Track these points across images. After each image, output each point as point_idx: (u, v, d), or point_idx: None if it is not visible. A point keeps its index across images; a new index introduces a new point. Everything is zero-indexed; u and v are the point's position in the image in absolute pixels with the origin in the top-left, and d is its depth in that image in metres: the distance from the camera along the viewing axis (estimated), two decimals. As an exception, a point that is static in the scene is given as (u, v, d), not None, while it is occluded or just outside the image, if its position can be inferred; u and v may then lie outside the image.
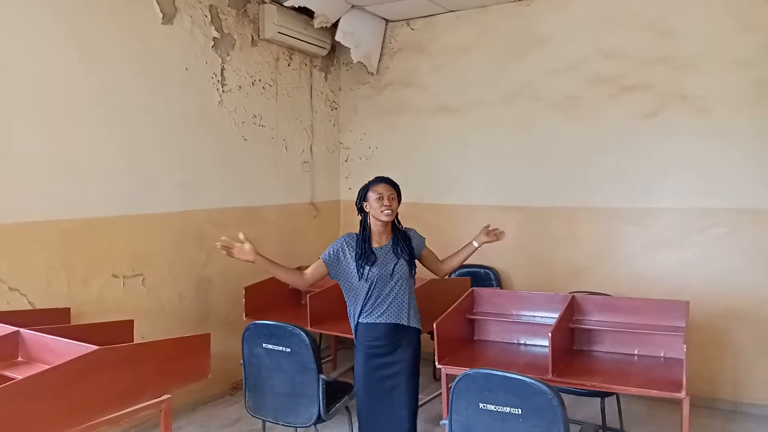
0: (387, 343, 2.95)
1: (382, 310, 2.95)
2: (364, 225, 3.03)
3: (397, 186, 3.06)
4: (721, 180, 4.23)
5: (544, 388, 2.22)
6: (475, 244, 3.18)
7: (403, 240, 3.03)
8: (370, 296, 2.95)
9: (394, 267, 2.95)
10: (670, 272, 4.37)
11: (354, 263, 2.96)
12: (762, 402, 4.10)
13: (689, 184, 4.33)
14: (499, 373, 2.32)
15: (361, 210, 3.05)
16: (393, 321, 2.95)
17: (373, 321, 2.95)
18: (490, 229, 3.24)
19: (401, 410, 2.95)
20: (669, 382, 2.68)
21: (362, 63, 5.37)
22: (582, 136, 4.69)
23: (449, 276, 3.56)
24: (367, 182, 3.08)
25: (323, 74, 5.57)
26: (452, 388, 2.38)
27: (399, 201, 3.05)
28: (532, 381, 2.24)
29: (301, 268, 3.24)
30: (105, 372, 2.45)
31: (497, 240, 3.20)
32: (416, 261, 3.11)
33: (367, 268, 2.93)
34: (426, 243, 3.19)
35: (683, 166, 4.34)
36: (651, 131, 4.44)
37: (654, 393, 2.59)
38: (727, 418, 4.04)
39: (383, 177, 3.06)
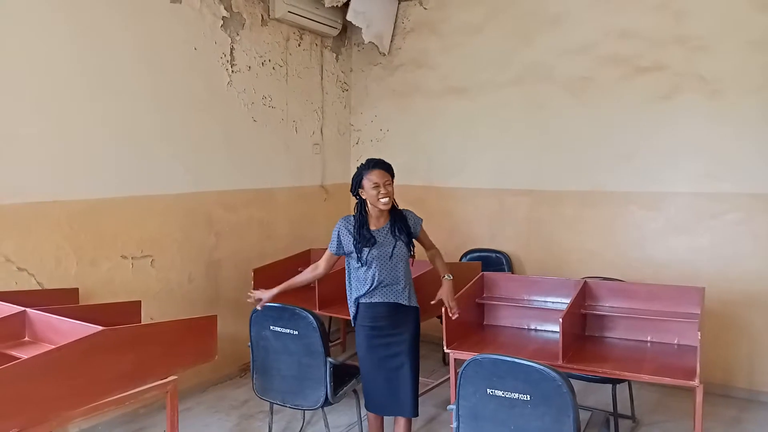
0: (388, 323, 2.95)
1: (382, 291, 2.95)
2: (361, 209, 3.00)
3: (391, 168, 3.00)
4: (735, 164, 4.13)
5: (554, 374, 2.17)
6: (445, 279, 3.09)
7: (400, 221, 3.00)
8: (370, 278, 2.93)
9: (393, 249, 2.94)
10: (683, 257, 4.29)
11: (353, 246, 2.95)
12: (777, 390, 4.03)
13: (703, 168, 4.23)
14: (508, 358, 2.27)
15: (357, 196, 3.02)
16: (393, 300, 2.95)
17: (373, 301, 2.96)
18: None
19: (405, 389, 2.95)
20: (682, 369, 2.62)
21: (374, 43, 5.29)
22: (594, 118, 4.59)
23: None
24: (359, 167, 3.01)
25: (334, 55, 5.49)
26: (460, 374, 2.35)
27: (393, 180, 3.01)
28: (542, 367, 2.19)
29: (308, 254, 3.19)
30: (110, 353, 2.44)
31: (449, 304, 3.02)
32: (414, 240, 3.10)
33: (366, 250, 2.93)
34: (423, 225, 3.14)
35: (696, 150, 4.24)
36: (664, 113, 4.33)
37: (667, 381, 2.53)
38: (741, 407, 3.97)
39: (376, 161, 2.99)
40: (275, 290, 3.10)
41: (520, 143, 4.91)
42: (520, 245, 4.96)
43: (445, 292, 3.00)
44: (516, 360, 2.26)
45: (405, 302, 2.96)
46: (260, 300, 3.13)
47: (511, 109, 4.92)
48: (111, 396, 2.48)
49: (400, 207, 3.08)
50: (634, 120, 4.45)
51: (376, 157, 3.08)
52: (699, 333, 2.51)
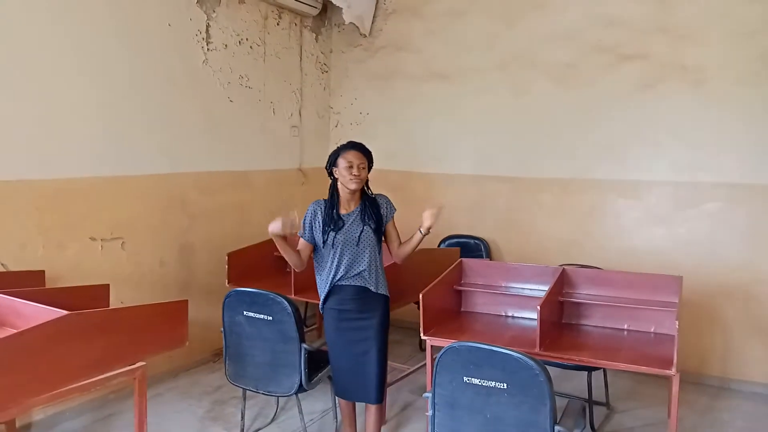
0: (355, 306, 2.91)
1: (350, 275, 2.90)
2: (333, 190, 2.96)
3: (369, 153, 2.96)
4: (715, 154, 4.14)
5: (531, 362, 2.14)
6: (421, 231, 2.92)
7: (371, 207, 2.95)
8: (336, 261, 2.88)
9: (360, 234, 2.88)
10: (662, 247, 4.30)
11: (320, 228, 2.91)
12: (750, 379, 4.07)
13: (683, 158, 4.23)
14: (485, 346, 2.23)
15: (330, 174, 2.97)
16: (361, 284, 2.90)
17: (340, 284, 2.91)
18: (429, 211, 2.90)
19: (370, 375, 2.93)
20: (659, 358, 2.61)
21: (354, 24, 5.19)
22: (577, 106, 4.56)
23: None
24: (338, 146, 2.97)
25: (314, 35, 5.38)
26: (436, 361, 2.31)
27: (370, 167, 2.97)
28: (519, 355, 2.16)
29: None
30: (76, 338, 2.36)
31: (437, 214, 2.88)
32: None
33: (333, 234, 2.88)
34: (395, 216, 3.04)
35: (678, 139, 4.24)
36: (647, 102, 4.32)
37: (643, 369, 2.52)
38: (714, 395, 4.01)
39: (355, 143, 2.96)
40: (281, 238, 2.85)
41: (502, 130, 4.87)
42: (499, 232, 4.93)
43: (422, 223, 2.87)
44: (493, 348, 2.22)
45: (372, 288, 2.91)
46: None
47: (494, 95, 4.87)
48: (76, 383, 2.39)
49: (379, 192, 3.03)
50: (616, 108, 4.43)
51: (356, 140, 3.02)
52: (677, 322, 2.50)
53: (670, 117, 4.26)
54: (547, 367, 2.19)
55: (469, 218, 5.03)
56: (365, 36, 5.36)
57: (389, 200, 3.04)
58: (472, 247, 4.88)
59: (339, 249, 2.88)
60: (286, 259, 2.98)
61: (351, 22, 5.14)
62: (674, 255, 4.24)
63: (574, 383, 3.85)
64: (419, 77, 5.19)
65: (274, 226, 2.76)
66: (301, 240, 3.00)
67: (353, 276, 2.90)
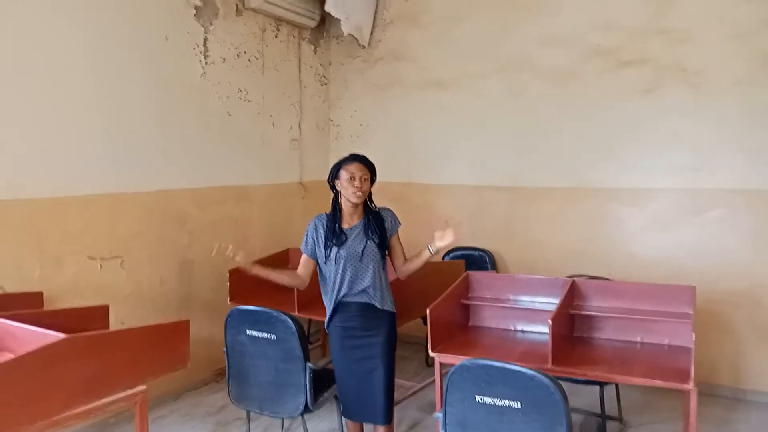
0: (360, 323, 2.83)
1: (353, 292, 2.82)
2: (335, 203, 2.89)
3: (372, 165, 2.89)
4: (718, 159, 4.08)
5: (546, 380, 2.06)
6: (430, 250, 2.86)
7: (374, 221, 2.87)
8: (340, 277, 2.81)
9: (363, 249, 2.81)
10: (667, 255, 4.23)
11: (323, 244, 2.85)
12: (764, 389, 3.98)
13: (686, 164, 4.18)
14: (497, 363, 2.16)
15: (332, 187, 2.90)
16: (366, 301, 2.83)
17: (345, 300, 2.84)
18: (443, 232, 2.83)
19: (377, 394, 2.84)
20: (675, 371, 2.54)
21: (353, 36, 5.15)
22: (576, 112, 4.52)
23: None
24: (341, 158, 2.91)
25: (312, 47, 5.34)
26: (447, 380, 2.23)
27: (374, 180, 2.90)
28: (533, 373, 2.08)
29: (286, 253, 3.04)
30: (73, 362, 2.28)
31: (451, 239, 2.81)
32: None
33: (335, 249, 2.81)
34: (399, 230, 2.96)
35: (681, 145, 4.19)
36: (646, 107, 4.27)
37: (660, 383, 2.44)
38: (728, 407, 3.92)
39: (358, 155, 2.89)
40: (260, 270, 2.92)
41: (501, 138, 4.82)
42: (502, 243, 4.86)
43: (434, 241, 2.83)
44: (506, 365, 2.14)
45: (377, 304, 2.83)
46: (236, 260, 2.89)
47: (493, 102, 4.83)
48: (74, 409, 2.31)
49: (382, 204, 2.96)
50: (616, 114, 4.39)
51: (357, 152, 2.95)
52: (693, 334, 2.42)
53: (671, 122, 4.21)
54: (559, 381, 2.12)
55: (471, 229, 4.96)
56: (364, 47, 5.32)
57: (394, 214, 2.97)
58: (477, 259, 4.80)
59: (342, 265, 2.80)
60: (283, 284, 2.96)
61: (350, 34, 5.10)
62: (680, 263, 4.18)
63: (585, 397, 3.75)
64: (418, 86, 5.14)
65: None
66: (303, 256, 2.93)
67: (357, 293, 2.82)
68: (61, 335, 2.25)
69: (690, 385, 2.36)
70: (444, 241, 2.80)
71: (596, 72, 4.42)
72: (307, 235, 2.91)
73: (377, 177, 2.93)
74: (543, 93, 4.62)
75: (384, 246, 2.88)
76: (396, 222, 2.95)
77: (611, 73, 4.37)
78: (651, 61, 4.24)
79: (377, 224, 2.86)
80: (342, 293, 2.82)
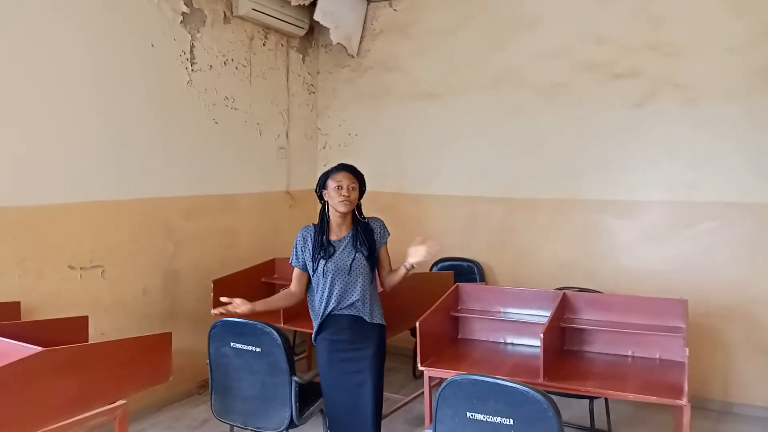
0: (348, 337, 2.77)
1: (342, 306, 2.75)
2: (323, 215, 2.82)
3: (361, 175, 2.83)
4: (710, 172, 4.08)
5: (539, 396, 2.01)
6: (406, 266, 2.78)
7: (363, 232, 2.80)
8: (327, 291, 2.74)
9: (352, 262, 2.73)
10: (659, 268, 4.22)
11: (311, 256, 2.78)
12: (753, 402, 3.97)
13: (679, 176, 4.17)
14: (489, 379, 2.11)
15: (320, 198, 2.84)
16: (355, 314, 2.76)
17: (333, 313, 2.76)
18: (415, 245, 2.76)
19: (365, 409, 2.77)
20: (668, 386, 2.51)
21: (342, 45, 5.11)
22: (568, 124, 4.50)
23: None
24: (329, 168, 2.84)
25: (301, 56, 5.29)
26: (437, 395, 2.17)
27: (363, 191, 2.84)
28: (526, 389, 2.03)
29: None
30: (50, 376, 2.20)
31: (424, 254, 2.71)
32: None
33: (323, 262, 2.74)
34: (388, 241, 2.90)
35: (673, 157, 4.18)
36: (639, 121, 4.27)
37: (653, 399, 2.40)
38: (717, 419, 3.90)
39: (345, 164, 2.83)
40: (261, 305, 2.79)
41: (493, 150, 4.79)
42: (492, 254, 4.83)
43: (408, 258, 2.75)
44: (498, 381, 2.09)
45: (367, 318, 2.77)
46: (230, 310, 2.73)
47: (485, 115, 4.80)
48: (51, 425, 2.24)
49: (372, 215, 2.91)
50: (608, 127, 4.38)
51: (345, 162, 2.90)
52: (687, 349, 2.39)
53: (663, 135, 4.20)
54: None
55: (461, 240, 4.92)
56: (353, 56, 5.29)
57: (383, 224, 2.90)
58: (465, 270, 4.76)
59: (330, 278, 2.74)
60: (282, 307, 2.89)
61: (338, 43, 5.06)
62: (671, 275, 4.16)
63: (574, 410, 3.71)
64: (408, 97, 5.11)
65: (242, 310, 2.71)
66: (296, 270, 2.85)
67: (346, 306, 2.76)
68: (38, 348, 2.18)
69: (683, 401, 2.33)
70: (416, 257, 2.73)
71: (588, 85, 4.42)
72: (296, 247, 2.84)
73: (366, 187, 2.87)
74: (535, 105, 4.61)
75: (373, 258, 2.81)
76: (385, 232, 2.89)
77: (603, 87, 4.36)
78: (643, 75, 4.24)
79: (366, 235, 2.80)
80: (330, 307, 2.76)
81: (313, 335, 2.87)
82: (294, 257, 2.84)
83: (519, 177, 4.71)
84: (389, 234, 2.90)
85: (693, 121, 4.10)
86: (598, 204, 4.43)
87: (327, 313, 2.76)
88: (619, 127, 4.33)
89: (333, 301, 2.74)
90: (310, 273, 2.80)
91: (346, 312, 2.76)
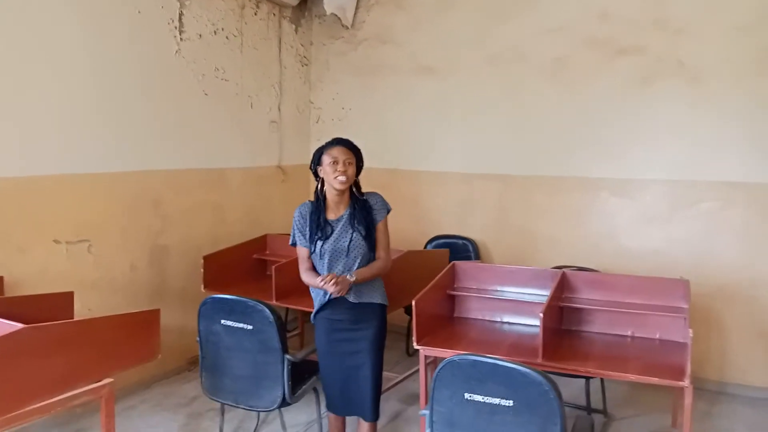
0: (348, 317, 2.68)
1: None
2: (319, 193, 2.68)
3: (358, 150, 2.68)
4: (713, 152, 4.00)
5: (540, 378, 1.95)
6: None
7: (361, 210, 2.66)
8: (326, 273, 2.62)
9: (350, 243, 2.60)
10: (658, 247, 4.16)
11: (308, 237, 2.66)
12: (749, 383, 3.94)
13: (680, 156, 4.09)
14: (489, 360, 2.04)
15: (316, 175, 2.69)
16: (353, 300, 2.64)
17: (332, 297, 2.63)
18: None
19: (365, 390, 2.70)
20: (669, 367, 2.46)
21: (336, 15, 4.97)
22: (569, 101, 4.40)
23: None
24: (323, 144, 2.70)
25: (293, 26, 5.14)
26: (434, 376, 2.11)
27: (360, 166, 2.69)
28: (526, 370, 1.97)
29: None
30: (34, 354, 2.12)
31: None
32: None
33: (320, 243, 2.62)
34: (387, 217, 2.73)
35: (674, 136, 4.10)
36: (641, 99, 4.17)
37: (655, 381, 2.35)
38: (712, 400, 3.88)
39: (341, 138, 2.69)
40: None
41: (491, 126, 4.69)
42: (488, 232, 4.76)
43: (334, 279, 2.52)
44: (498, 361, 2.03)
45: (367, 299, 2.67)
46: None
47: (483, 90, 4.69)
48: (35, 403, 2.16)
49: (370, 190, 2.78)
50: (610, 104, 4.28)
51: (339, 136, 2.78)
52: (690, 330, 2.34)
53: (666, 114, 4.11)
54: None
55: (457, 218, 4.85)
56: (347, 28, 5.14)
57: (382, 199, 2.75)
58: (460, 248, 4.69)
59: (327, 260, 2.63)
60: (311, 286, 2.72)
61: (332, 13, 4.92)
62: (670, 256, 4.11)
63: (569, 389, 3.68)
64: (405, 71, 4.98)
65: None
66: (304, 250, 2.69)
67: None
68: (20, 325, 2.09)
69: (686, 383, 2.28)
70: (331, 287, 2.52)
71: (590, 62, 4.30)
72: (294, 228, 2.70)
73: (364, 162, 2.75)
74: (535, 82, 4.49)
75: (372, 236, 2.67)
76: (383, 207, 2.73)
77: (606, 64, 4.25)
78: (647, 52, 4.12)
79: (364, 213, 2.67)
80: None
81: (312, 314, 2.78)
82: (300, 236, 2.69)
83: (517, 154, 4.62)
84: (389, 209, 2.76)
85: (696, 100, 4.01)
86: (598, 182, 4.36)
87: (328, 298, 2.65)
88: (621, 105, 4.23)
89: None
90: (311, 251, 2.69)
91: (348, 295, 2.63)
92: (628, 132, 4.22)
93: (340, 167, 2.58)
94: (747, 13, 3.84)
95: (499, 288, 3.16)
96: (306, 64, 5.33)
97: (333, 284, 2.48)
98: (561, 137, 4.44)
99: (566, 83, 4.40)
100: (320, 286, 2.53)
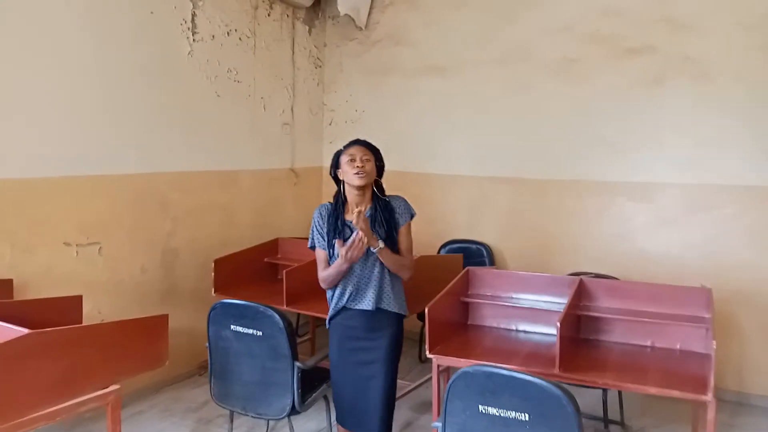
0: (363, 324, 2.57)
1: (359, 295, 2.56)
2: (339, 195, 2.60)
3: (376, 149, 2.61)
4: (728, 154, 3.91)
5: (558, 391, 1.88)
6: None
7: (383, 212, 2.56)
8: (344, 279, 2.55)
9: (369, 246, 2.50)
10: (672, 253, 4.08)
11: (326, 239, 2.58)
12: (769, 393, 3.85)
13: (694, 158, 4.01)
14: (504, 371, 1.97)
15: (336, 179, 2.61)
16: (370, 307, 2.54)
17: (349, 306, 2.57)
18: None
19: (374, 403, 2.57)
20: (691, 379, 2.37)
21: (350, 16, 4.92)
22: (580, 102, 4.33)
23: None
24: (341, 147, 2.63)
25: (307, 27, 5.10)
26: (448, 387, 2.04)
27: (381, 167, 2.61)
28: (543, 382, 1.90)
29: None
30: (38, 360, 2.08)
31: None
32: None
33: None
34: (411, 221, 2.64)
35: (687, 138, 4.02)
36: (653, 98, 4.10)
37: (676, 394, 2.27)
38: (732, 411, 3.77)
39: (359, 140, 2.62)
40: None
41: (502, 128, 4.62)
42: (501, 236, 4.68)
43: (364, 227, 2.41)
44: (514, 373, 1.95)
45: (384, 307, 2.57)
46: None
47: (493, 90, 4.63)
48: (40, 410, 2.12)
49: (392, 193, 2.68)
50: (621, 104, 4.21)
51: (352, 139, 2.70)
52: (714, 342, 2.25)
53: (678, 114, 4.04)
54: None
55: (469, 221, 4.78)
56: (361, 29, 5.09)
57: (406, 202, 2.65)
58: (474, 253, 4.63)
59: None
60: (333, 276, 2.58)
61: (346, 14, 4.87)
62: (685, 260, 4.02)
63: (585, 398, 3.59)
64: (416, 72, 4.93)
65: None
66: (322, 252, 2.58)
67: (364, 295, 2.55)
68: (25, 330, 2.05)
69: (708, 397, 2.19)
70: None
71: (600, 60, 4.24)
72: (313, 229, 2.62)
73: (385, 164, 2.64)
74: (546, 82, 4.43)
75: (393, 239, 2.55)
76: (407, 212, 2.62)
77: (615, 62, 4.19)
78: (657, 50, 4.06)
79: (386, 215, 2.56)
80: (347, 295, 2.56)
81: (327, 318, 2.70)
82: (316, 238, 2.61)
83: (528, 156, 4.55)
84: (413, 214, 2.66)
85: (709, 99, 3.93)
86: (611, 186, 4.28)
87: (341, 302, 2.57)
88: (632, 105, 4.16)
89: (348, 287, 2.55)
90: (329, 255, 2.59)
91: (363, 305, 2.55)
92: (641, 133, 4.15)
93: (357, 163, 2.49)
94: (757, 10, 3.76)
95: (514, 295, 3.08)
96: (319, 66, 5.28)
97: (361, 219, 2.36)
98: (572, 139, 4.38)
99: (576, 82, 4.34)
100: (344, 248, 2.39)
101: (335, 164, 2.60)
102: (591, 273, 3.55)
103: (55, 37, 3.25)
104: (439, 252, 4.67)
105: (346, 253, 2.41)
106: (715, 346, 2.25)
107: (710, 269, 3.92)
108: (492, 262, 4.59)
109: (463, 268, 3.24)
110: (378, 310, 2.56)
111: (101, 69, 3.49)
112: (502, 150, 4.65)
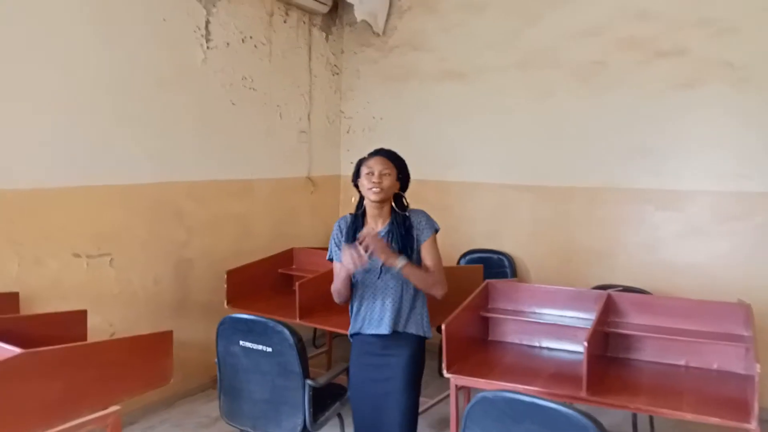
0: (380, 344, 2.45)
1: (372, 317, 2.43)
2: (359, 206, 2.51)
3: (399, 160, 2.48)
4: (762, 161, 3.72)
5: (586, 421, 1.71)
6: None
7: (399, 227, 2.44)
8: (357, 298, 2.44)
9: (383, 263, 2.36)
10: (703, 263, 3.88)
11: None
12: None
13: (727, 165, 3.82)
14: (526, 398, 1.81)
15: (358, 188, 2.51)
16: (386, 331, 2.41)
17: (363, 332, 2.45)
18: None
19: (394, 420, 2.44)
20: (730, 403, 2.19)
21: (367, 22, 4.81)
22: (606, 107, 4.16)
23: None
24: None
25: (324, 34, 5.00)
26: (465, 413, 1.89)
27: (405, 178, 2.49)
28: (570, 411, 1.74)
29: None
30: (32, 380, 1.98)
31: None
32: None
33: None
34: (435, 237, 2.49)
35: (720, 144, 3.83)
36: (684, 103, 3.92)
37: (715, 421, 2.09)
38: (772, 433, 3.54)
39: (382, 149, 2.50)
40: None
41: (524, 134, 4.47)
42: (523, 246, 4.52)
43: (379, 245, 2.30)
44: (536, 400, 1.80)
45: (401, 329, 2.43)
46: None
47: (515, 96, 4.48)
48: (35, 433, 2.02)
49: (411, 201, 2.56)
50: (650, 110, 4.03)
51: (369, 147, 2.58)
52: (758, 365, 2.07)
53: (711, 120, 3.85)
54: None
55: (489, 230, 4.62)
56: (378, 35, 4.98)
57: (428, 217, 2.51)
58: (495, 263, 4.46)
59: (359, 277, 2.43)
60: (338, 288, 2.47)
61: (363, 20, 4.77)
62: (718, 272, 3.82)
63: (613, 419, 3.41)
64: (435, 78, 4.80)
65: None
66: (339, 265, 2.45)
67: (377, 317, 2.44)
68: (18, 350, 1.95)
69: (752, 425, 2.01)
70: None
71: (628, 65, 4.07)
72: (331, 242, 2.52)
73: (409, 175, 2.52)
74: (570, 86, 4.27)
75: (410, 256, 2.40)
76: (428, 226, 2.47)
77: (645, 66, 4.01)
78: (690, 54, 3.88)
79: (402, 231, 2.44)
80: (361, 316, 2.46)
81: (349, 331, 2.57)
82: (333, 251, 2.51)
83: (552, 163, 4.39)
84: (436, 229, 2.51)
85: (744, 104, 3.75)
86: (638, 193, 4.09)
87: (358, 325, 2.47)
88: (662, 111, 3.99)
89: (361, 307, 2.45)
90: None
91: (375, 328, 2.43)
92: (671, 139, 3.99)
93: (375, 178, 2.38)
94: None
95: (537, 310, 2.92)
96: (337, 73, 5.18)
97: (373, 241, 2.24)
98: (598, 145, 4.22)
99: (602, 87, 4.18)
100: (349, 259, 2.25)
101: (356, 173, 2.49)
102: (618, 286, 3.36)
103: (67, 44, 3.19)
104: (458, 262, 4.52)
105: (347, 254, 2.26)
106: (759, 369, 2.06)
107: (742, 282, 3.72)
108: (514, 273, 4.42)
109: (484, 278, 3.10)
110: (395, 333, 2.42)
111: (114, 77, 3.42)
112: (525, 157, 4.49)
